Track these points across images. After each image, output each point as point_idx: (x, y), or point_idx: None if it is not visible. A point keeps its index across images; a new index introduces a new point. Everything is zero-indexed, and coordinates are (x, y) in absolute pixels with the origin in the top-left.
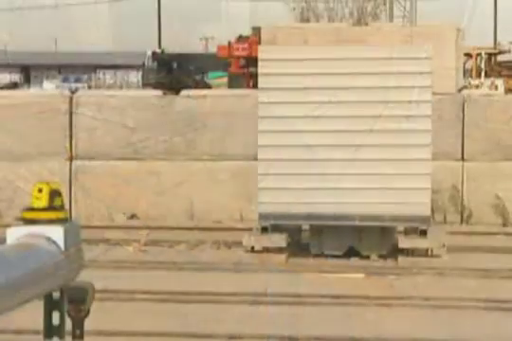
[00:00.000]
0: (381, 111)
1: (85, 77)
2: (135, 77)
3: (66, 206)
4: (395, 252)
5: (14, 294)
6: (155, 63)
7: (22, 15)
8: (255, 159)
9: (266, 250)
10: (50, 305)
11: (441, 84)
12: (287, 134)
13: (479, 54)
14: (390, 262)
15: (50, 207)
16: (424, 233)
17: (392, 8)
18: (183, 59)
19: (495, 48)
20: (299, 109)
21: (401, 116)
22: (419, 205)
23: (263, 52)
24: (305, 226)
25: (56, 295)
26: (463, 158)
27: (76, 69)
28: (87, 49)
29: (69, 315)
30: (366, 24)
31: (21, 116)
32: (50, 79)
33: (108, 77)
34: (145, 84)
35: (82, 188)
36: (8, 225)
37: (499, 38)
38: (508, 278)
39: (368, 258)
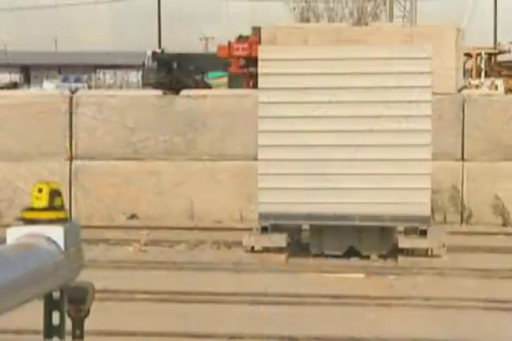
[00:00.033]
0: (381, 111)
1: (85, 77)
2: (135, 77)
3: (66, 206)
4: (395, 252)
5: (14, 294)
6: (155, 63)
7: (22, 15)
8: (255, 159)
9: (266, 250)
10: (50, 305)
11: (441, 84)
12: (287, 134)
13: (479, 54)
14: (390, 262)
15: (50, 207)
16: (424, 233)
17: (392, 8)
18: (183, 59)
19: (495, 48)
20: (299, 109)
21: (401, 116)
22: (419, 205)
23: (263, 52)
24: (305, 226)
25: (56, 295)
26: (463, 158)
27: (76, 69)
28: (87, 49)
29: (69, 315)
30: (366, 24)
31: (21, 116)
32: (50, 79)
33: (108, 77)
34: (145, 84)
35: (82, 188)
36: (8, 225)
37: (499, 38)
38: (508, 278)
39: (368, 258)
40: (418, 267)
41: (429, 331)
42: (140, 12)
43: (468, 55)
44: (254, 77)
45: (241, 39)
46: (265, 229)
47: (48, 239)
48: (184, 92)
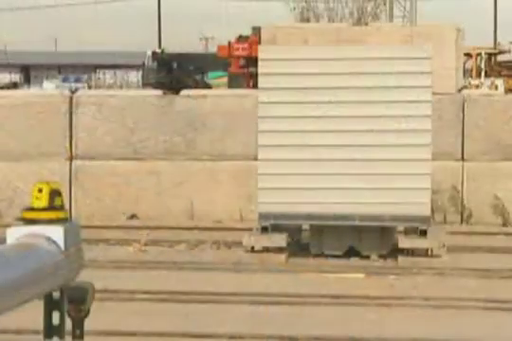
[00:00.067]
0: (381, 111)
1: (85, 77)
2: (135, 77)
3: (66, 206)
4: (395, 252)
5: (14, 294)
6: (155, 63)
7: (22, 15)
8: (255, 159)
9: (266, 250)
10: (50, 305)
11: (441, 84)
12: (287, 134)
13: (479, 54)
14: (390, 262)
15: (50, 207)
16: (424, 233)
17: (392, 8)
18: (183, 59)
19: (495, 48)
20: (299, 109)
21: (401, 116)
22: (419, 205)
23: (263, 52)
24: (305, 226)
25: (56, 295)
26: (463, 158)
27: (76, 69)
28: (87, 49)
29: (69, 315)
30: (366, 24)
31: (21, 116)
32: (50, 79)
33: (108, 77)
34: (145, 84)
35: (82, 188)
36: (8, 225)
37: (499, 38)
38: (508, 278)
39: (368, 258)
40: (418, 267)
41: (429, 331)
42: (140, 12)
43: (468, 55)
44: (254, 77)
45: (241, 39)
46: (265, 229)
47: (48, 239)
48: (184, 92)
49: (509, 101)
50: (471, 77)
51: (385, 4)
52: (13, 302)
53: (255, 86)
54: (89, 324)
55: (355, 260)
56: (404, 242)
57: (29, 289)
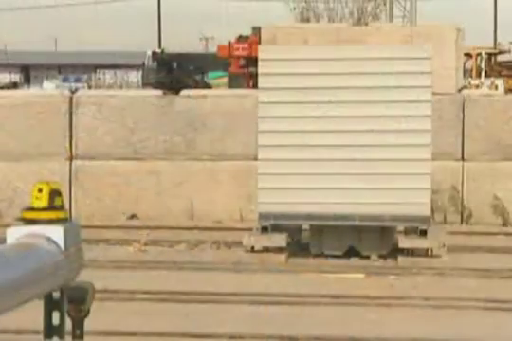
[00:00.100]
0: (381, 111)
1: (85, 77)
2: (135, 77)
3: (66, 206)
4: (395, 252)
5: (14, 294)
6: (155, 63)
7: (22, 15)
8: (255, 159)
9: (266, 250)
10: (50, 305)
11: (441, 84)
12: (287, 134)
13: (479, 54)
14: (390, 262)
15: (50, 207)
16: (424, 233)
17: (392, 8)
18: (183, 59)
19: (495, 48)
20: (299, 109)
21: (401, 116)
22: (419, 205)
23: (263, 52)
24: (305, 226)
25: (56, 295)
26: (463, 158)
27: (76, 69)
28: (87, 49)
29: (69, 315)
30: (366, 24)
31: (21, 116)
32: (50, 79)
33: (108, 77)
34: (145, 84)
35: (82, 188)
36: (8, 225)
37: (499, 38)
38: (508, 278)
39: (368, 258)
40: (418, 267)
41: (429, 331)
42: (140, 12)
43: (468, 55)
44: (254, 77)
45: (241, 39)
46: (265, 229)
47: (48, 239)
48: (184, 92)
49: (509, 101)
50: (471, 77)
51: (385, 4)
52: (13, 302)
53: (255, 86)
54: (89, 324)
55: (355, 260)
56: (404, 242)
57: (29, 289)
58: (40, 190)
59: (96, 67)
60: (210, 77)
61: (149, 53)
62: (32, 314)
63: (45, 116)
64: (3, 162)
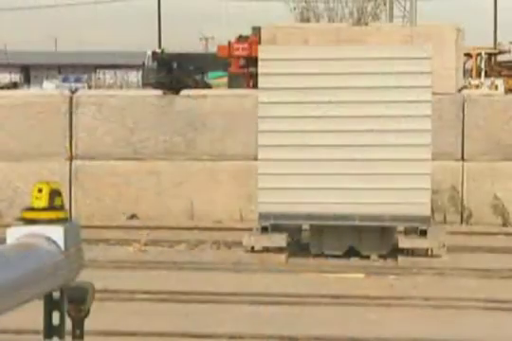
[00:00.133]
0: (381, 111)
1: (85, 77)
2: (135, 77)
3: (66, 206)
4: (395, 252)
5: (14, 294)
6: (155, 63)
7: (22, 15)
8: (255, 159)
9: (266, 250)
10: (50, 305)
11: (441, 84)
12: (287, 134)
13: (479, 54)
14: (390, 262)
15: (50, 207)
16: (424, 233)
17: (392, 8)
18: (183, 59)
19: (495, 48)
20: (299, 109)
21: (401, 116)
22: (419, 205)
23: (263, 52)
24: (305, 226)
25: (56, 295)
26: (463, 158)
27: (76, 69)
28: (87, 49)
29: (69, 315)
30: (366, 24)
31: (21, 116)
32: (50, 79)
33: (108, 77)
34: (145, 84)
35: (82, 188)
36: (8, 225)
37: (499, 38)
38: (508, 278)
39: (368, 258)
40: (418, 267)
41: (429, 331)
42: (140, 12)
43: (468, 55)
44: (254, 77)
45: (241, 39)
46: (265, 229)
47: (48, 239)
48: (184, 92)
49: (509, 101)
50: (471, 77)
51: (385, 4)
52: (13, 302)
53: (255, 86)
54: (89, 324)
55: (355, 260)
56: (404, 242)
57: (29, 289)
58: (40, 190)
59: (96, 67)
60: (210, 77)
61: (149, 53)
62: (32, 314)
63: (45, 116)
64: (3, 162)
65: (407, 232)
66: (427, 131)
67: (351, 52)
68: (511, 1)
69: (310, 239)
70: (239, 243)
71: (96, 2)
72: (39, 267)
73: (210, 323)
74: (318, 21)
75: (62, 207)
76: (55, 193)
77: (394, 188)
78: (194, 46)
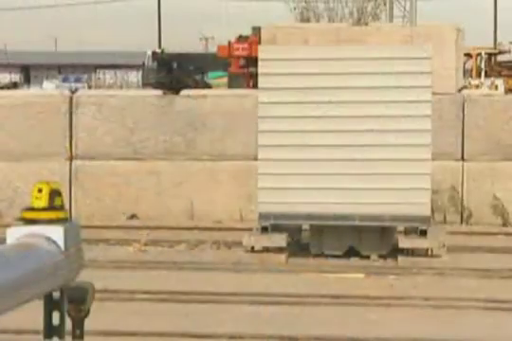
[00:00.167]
0: (381, 111)
1: (85, 77)
2: (135, 77)
3: (66, 206)
4: (395, 252)
5: (14, 294)
6: (155, 63)
7: (22, 15)
8: (255, 159)
9: (266, 250)
10: (50, 305)
11: (441, 84)
12: (287, 134)
13: (479, 54)
14: (390, 262)
15: (50, 207)
16: (424, 233)
17: (392, 8)
18: (183, 59)
19: (495, 48)
20: (299, 109)
21: (401, 116)
22: (419, 205)
23: (263, 52)
24: (305, 226)
25: (56, 295)
26: (463, 158)
27: (76, 69)
28: (87, 49)
29: (69, 315)
30: (366, 24)
31: (21, 116)
32: (50, 79)
33: (108, 77)
34: (145, 84)
35: (82, 188)
36: (8, 225)
37: (499, 38)
38: (508, 278)
39: (368, 258)
40: (418, 267)
41: (428, 331)
42: (140, 12)
43: (468, 55)
44: (254, 77)
45: (241, 39)
46: (265, 229)
47: (48, 239)
48: (184, 92)
49: (509, 101)
50: (471, 77)
51: (385, 4)
52: (13, 302)
53: (255, 86)
54: (89, 324)
55: (355, 260)
56: (404, 242)
57: (29, 289)
58: (40, 190)
59: (96, 67)
60: (210, 77)
61: (149, 53)
62: (32, 314)
63: (45, 116)
64: (3, 162)
65: (407, 232)
66: (427, 131)
67: (351, 52)
68: (511, 1)
69: (310, 239)
70: (239, 243)
71: (96, 2)
72: (39, 267)
73: (210, 323)
74: (318, 21)
75: (62, 207)
76: (55, 193)
77: (394, 188)
78: (194, 46)
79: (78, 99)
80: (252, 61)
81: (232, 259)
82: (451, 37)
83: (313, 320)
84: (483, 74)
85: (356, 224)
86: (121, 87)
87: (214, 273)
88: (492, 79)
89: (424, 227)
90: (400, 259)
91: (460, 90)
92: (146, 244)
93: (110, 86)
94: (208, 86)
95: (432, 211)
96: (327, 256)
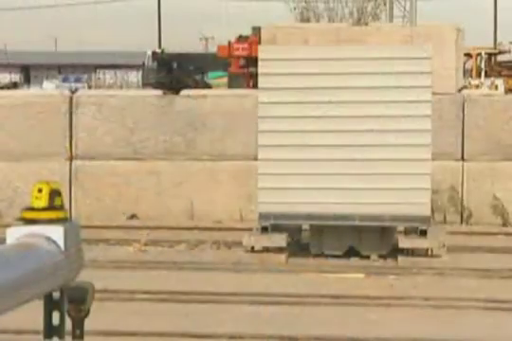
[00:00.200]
0: (381, 111)
1: (85, 77)
2: (135, 77)
3: (66, 206)
4: (395, 252)
5: (14, 294)
6: (155, 63)
7: (22, 15)
8: (255, 159)
9: (266, 250)
10: (50, 305)
11: (441, 84)
12: (287, 134)
13: (479, 54)
14: (390, 262)
15: (50, 207)
16: (424, 233)
17: (392, 8)
18: (183, 59)
19: (495, 48)
20: (299, 109)
21: (401, 116)
22: (419, 205)
23: (263, 52)
24: (305, 226)
25: (56, 295)
26: (463, 158)
27: (76, 69)
28: (87, 49)
29: (69, 315)
30: (366, 24)
31: (21, 116)
32: (50, 79)
33: (108, 77)
34: (145, 84)
35: (82, 188)
36: (8, 225)
37: (499, 38)
38: (508, 278)
39: (368, 258)
40: (418, 267)
41: (429, 331)
42: (140, 12)
43: (468, 55)
44: (254, 77)
45: (241, 39)
46: (265, 229)
47: (48, 239)
48: (184, 92)
49: (509, 101)
50: (471, 77)
51: (385, 4)
52: (13, 302)
53: (255, 86)
54: (89, 324)
55: (355, 260)
56: (404, 242)
57: (29, 289)
58: (40, 190)
59: (96, 67)
60: (210, 77)
61: (149, 53)
62: (32, 314)
63: (45, 116)
64: (3, 162)
65: (407, 232)
66: (427, 131)
67: (351, 52)
68: (511, 1)
69: (310, 239)
70: (239, 243)
71: (96, 2)
72: (39, 267)
73: (210, 323)
74: (318, 21)
75: (62, 207)
76: (55, 193)
77: (394, 188)
78: (194, 46)
79: (78, 99)
80: (252, 61)
81: (232, 259)
82: (451, 37)
83: (313, 320)
84: (483, 74)
85: (356, 224)
86: (121, 87)
87: (214, 273)
88: (492, 79)
89: (424, 227)
90: (400, 259)
91: (460, 90)
92: (146, 244)
93: (110, 86)
94: (208, 86)
95: (432, 211)
96: (327, 256)
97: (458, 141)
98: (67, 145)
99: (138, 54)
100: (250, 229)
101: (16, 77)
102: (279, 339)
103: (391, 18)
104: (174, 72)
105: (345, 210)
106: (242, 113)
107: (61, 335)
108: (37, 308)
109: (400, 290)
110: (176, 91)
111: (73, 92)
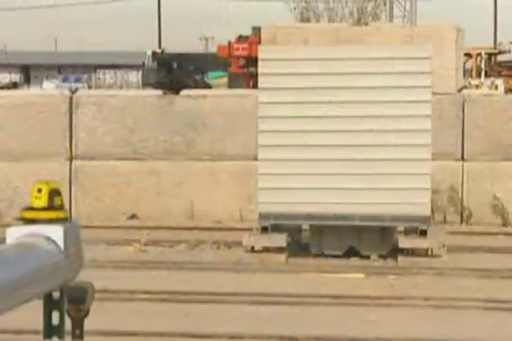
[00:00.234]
0: (381, 111)
1: (85, 77)
2: (135, 77)
3: (66, 206)
4: (395, 252)
5: (14, 294)
6: (155, 63)
7: (22, 15)
8: (255, 159)
9: (266, 250)
10: (50, 305)
11: (441, 84)
12: (287, 134)
13: (479, 54)
14: (390, 262)
15: (50, 207)
16: (424, 233)
17: (392, 8)
18: (183, 59)
19: (495, 48)
20: (299, 109)
21: (401, 116)
22: (419, 205)
23: (263, 52)
24: (305, 226)
25: (56, 294)
26: (463, 158)
27: (76, 69)
28: (87, 49)
29: (69, 315)
30: (366, 24)
31: (21, 116)
32: (50, 79)
33: (108, 77)
34: (145, 84)
35: (82, 188)
36: (8, 225)
37: (499, 38)
38: (508, 278)
39: (368, 258)
40: (418, 267)
41: (429, 331)
42: (140, 12)
43: (468, 55)
44: (254, 77)
45: (241, 39)
46: (265, 229)
47: (48, 238)
48: (184, 92)
49: (509, 101)
50: (471, 77)
51: (385, 4)
52: (13, 302)
53: (255, 86)
54: (89, 324)
55: (355, 260)
56: (404, 242)
57: (29, 289)
58: (39, 190)
59: (96, 67)
60: (210, 77)
61: (149, 53)
62: (32, 314)
63: (45, 116)
64: (3, 162)
65: (407, 232)
66: (427, 131)
67: (351, 52)
68: (511, 1)
69: (310, 239)
70: (239, 243)
71: (96, 2)
72: (38, 267)
73: (210, 323)
74: (318, 21)
75: (61, 207)
76: (55, 193)
77: (394, 188)
78: (194, 46)
79: (78, 99)
80: (252, 61)
81: (232, 259)
82: (451, 37)
83: (313, 320)
84: (483, 74)
85: (356, 224)
86: (121, 87)
87: (214, 273)
88: (492, 79)
89: (424, 227)
90: (400, 259)
91: (460, 90)
92: (146, 244)
93: (110, 86)
94: (208, 86)
95: (432, 211)
96: (327, 256)
97: (458, 141)
98: (67, 145)
99: (138, 54)
100: (250, 229)
101: (16, 77)
102: (279, 339)
103: (391, 18)
104: (174, 72)
105: (345, 210)
106: (242, 113)
107: (60, 335)
108: (37, 308)
109: (400, 290)
110: (176, 91)
111: (73, 92)
